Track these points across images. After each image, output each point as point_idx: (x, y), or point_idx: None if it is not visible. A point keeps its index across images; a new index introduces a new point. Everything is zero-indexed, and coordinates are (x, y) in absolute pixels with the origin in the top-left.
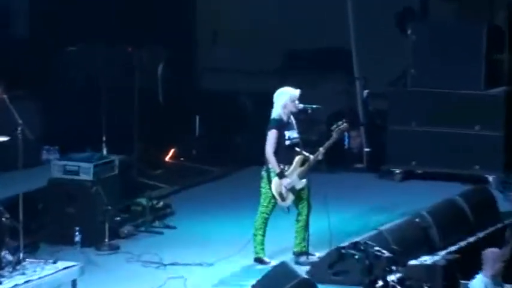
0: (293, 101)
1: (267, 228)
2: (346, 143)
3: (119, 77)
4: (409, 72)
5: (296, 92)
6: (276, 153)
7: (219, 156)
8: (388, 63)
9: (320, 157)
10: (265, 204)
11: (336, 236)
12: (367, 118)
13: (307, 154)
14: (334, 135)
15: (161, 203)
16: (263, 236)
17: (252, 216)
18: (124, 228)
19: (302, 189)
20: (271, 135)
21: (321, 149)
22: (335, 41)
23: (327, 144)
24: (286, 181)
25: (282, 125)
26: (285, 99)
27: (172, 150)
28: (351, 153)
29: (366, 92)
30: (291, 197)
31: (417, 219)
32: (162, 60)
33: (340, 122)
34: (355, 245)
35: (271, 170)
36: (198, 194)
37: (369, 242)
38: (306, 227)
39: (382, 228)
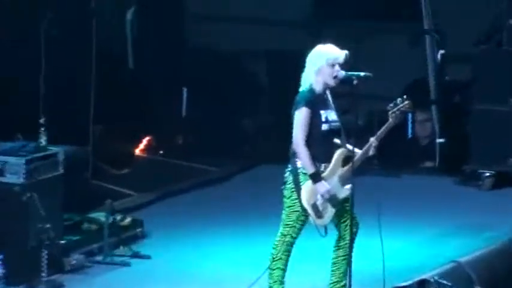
0: (332, 66)
1: (290, 259)
2: (409, 131)
3: (67, 27)
4: (506, 25)
5: (338, 54)
6: (308, 144)
7: (217, 148)
8: (473, 12)
9: (371, 152)
10: (290, 222)
11: (393, 271)
12: (442, 93)
13: (351, 148)
14: (391, 119)
15: (128, 219)
16: (284, 270)
17: (268, 240)
18: (71, 257)
19: (346, 200)
20: (301, 115)
21: (372, 140)
22: None
23: (381, 132)
24: (323, 187)
25: (316, 102)
26: (320, 62)
27: (146, 139)
28: (417, 145)
29: (440, 53)
30: (330, 212)
31: None
32: (132, 3)
33: (399, 99)
34: (421, 285)
35: (300, 170)
36: (184, 205)
37: (442, 281)
38: (350, 257)
39: (462, 259)
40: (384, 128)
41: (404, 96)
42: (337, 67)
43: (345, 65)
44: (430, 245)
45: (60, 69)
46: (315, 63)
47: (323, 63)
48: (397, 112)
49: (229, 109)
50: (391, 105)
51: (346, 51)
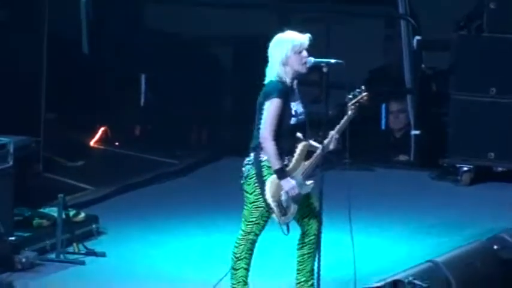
0: (299, 53)
1: (253, 258)
2: (383, 122)
3: (16, 9)
4: (487, 8)
5: (303, 39)
6: (274, 137)
7: (177, 140)
8: None
9: (332, 146)
10: (253, 219)
11: (363, 271)
12: (417, 82)
13: (314, 143)
14: (350, 111)
15: (82, 215)
16: (247, 270)
17: (230, 239)
18: (22, 254)
19: (309, 196)
20: (273, 107)
21: (332, 133)
22: None
23: (341, 125)
24: (289, 184)
25: (286, 92)
26: (285, 50)
27: (101, 130)
28: (391, 138)
29: (416, 39)
30: (293, 209)
31: (495, 246)
32: None
33: (357, 90)
34: (395, 286)
35: (264, 163)
36: (142, 200)
37: (417, 282)
38: (316, 255)
39: (439, 259)
40: (343, 120)
41: (362, 87)
42: (304, 53)
43: (310, 49)
44: (404, 243)
45: (9, 55)
46: (280, 53)
47: (289, 52)
48: (356, 104)
49: (190, 98)
50: (350, 96)
51: (308, 35)
